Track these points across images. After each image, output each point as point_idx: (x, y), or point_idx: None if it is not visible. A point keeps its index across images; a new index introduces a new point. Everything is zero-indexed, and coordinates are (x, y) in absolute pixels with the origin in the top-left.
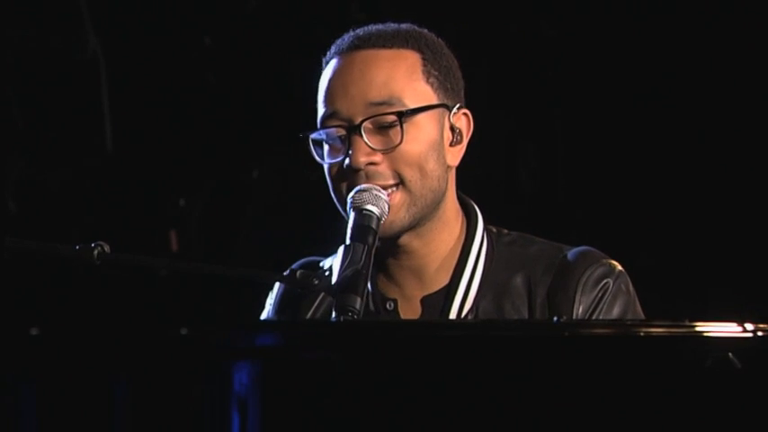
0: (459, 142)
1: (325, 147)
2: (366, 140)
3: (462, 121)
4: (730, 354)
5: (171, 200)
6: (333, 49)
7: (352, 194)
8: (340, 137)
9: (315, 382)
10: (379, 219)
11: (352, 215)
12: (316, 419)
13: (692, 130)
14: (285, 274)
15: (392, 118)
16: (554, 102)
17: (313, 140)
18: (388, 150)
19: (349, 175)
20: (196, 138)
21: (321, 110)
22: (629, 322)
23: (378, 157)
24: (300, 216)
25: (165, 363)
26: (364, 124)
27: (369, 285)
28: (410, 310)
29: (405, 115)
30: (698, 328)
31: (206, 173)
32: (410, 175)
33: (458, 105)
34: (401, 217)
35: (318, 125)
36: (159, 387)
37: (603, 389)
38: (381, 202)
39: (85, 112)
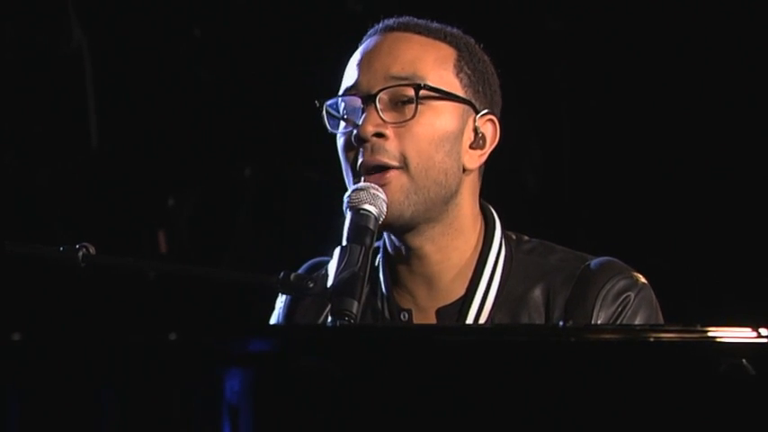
0: (481, 147)
1: (341, 122)
2: (379, 111)
3: (488, 127)
4: (744, 360)
5: (159, 199)
6: (369, 31)
7: (348, 193)
8: (356, 108)
9: (309, 389)
10: (376, 219)
11: (348, 215)
12: (310, 429)
13: (705, 127)
14: (279, 276)
15: (410, 93)
16: (560, 98)
17: (330, 114)
18: (399, 125)
19: (356, 146)
20: (186, 134)
21: (343, 82)
22: (638, 327)
23: (387, 130)
24: (295, 216)
25: (153, 369)
26: (380, 95)
27: (384, 296)
28: (424, 322)
29: (422, 90)
30: (710, 334)
31: (196, 171)
32: (415, 160)
33: (487, 110)
34: (399, 200)
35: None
36: (147, 394)
37: (613, 396)
38: (379, 201)
39: (70, 108)
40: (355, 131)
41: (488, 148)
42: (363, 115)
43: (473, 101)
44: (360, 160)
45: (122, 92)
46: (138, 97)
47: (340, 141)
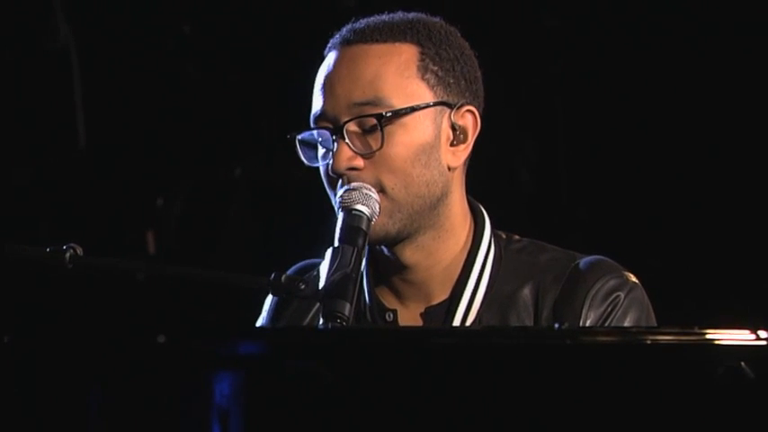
0: (463, 141)
1: (319, 148)
2: (349, 143)
3: (467, 118)
4: (743, 363)
5: (148, 199)
6: (330, 41)
7: (340, 193)
8: (329, 138)
9: (301, 393)
10: (369, 219)
11: (340, 216)
12: None
13: (703, 125)
14: (271, 278)
15: (374, 121)
16: (555, 95)
17: (305, 141)
18: (370, 155)
19: (334, 180)
20: (175, 133)
21: (312, 109)
22: (634, 329)
23: (359, 162)
24: (286, 216)
25: (141, 373)
26: (347, 126)
27: (367, 296)
28: (411, 322)
29: (385, 118)
30: (708, 336)
31: (185, 170)
32: (391, 183)
33: (462, 102)
34: (383, 222)
35: (311, 124)
36: (135, 399)
37: (608, 400)
38: (372, 201)
39: (56, 105)
40: (330, 166)
41: (471, 140)
42: (335, 148)
43: (444, 99)
44: (339, 192)
45: (110, 90)
46: (126, 95)
47: (321, 170)
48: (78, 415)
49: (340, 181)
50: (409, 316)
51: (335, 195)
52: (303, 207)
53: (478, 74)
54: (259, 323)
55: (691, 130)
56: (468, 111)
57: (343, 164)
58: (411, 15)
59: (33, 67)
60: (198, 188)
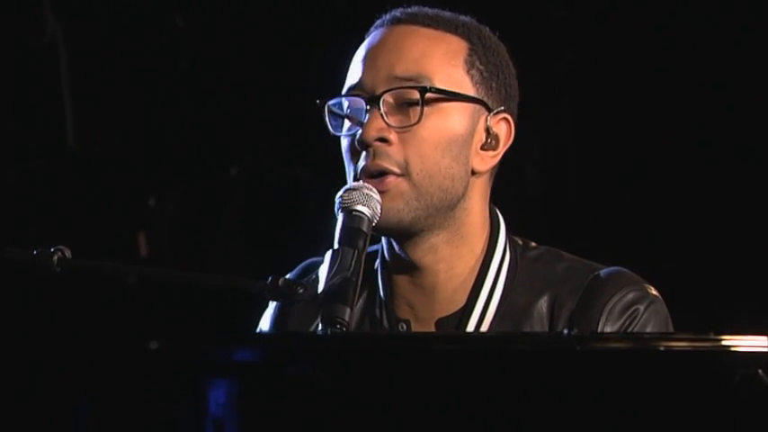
0: (494, 148)
1: (346, 122)
2: (383, 115)
3: (502, 126)
4: (760, 370)
5: (140, 199)
6: (377, 21)
7: (340, 194)
8: (361, 109)
9: (299, 401)
10: (370, 220)
11: (340, 217)
12: None
13: (723, 121)
14: (267, 281)
15: (415, 96)
16: (564, 90)
17: (333, 112)
18: (403, 130)
19: (360, 149)
20: (168, 130)
21: (347, 81)
22: (647, 335)
23: (391, 135)
24: (283, 217)
25: (133, 380)
26: (384, 97)
27: (382, 304)
28: None
29: (429, 93)
30: (724, 342)
31: (179, 169)
32: (418, 166)
33: (500, 109)
34: (399, 207)
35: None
36: (126, 407)
37: (621, 408)
38: (373, 202)
39: (44, 103)
40: (358, 135)
41: (501, 149)
42: (367, 118)
43: (485, 99)
44: (362, 164)
45: (100, 85)
46: (117, 91)
47: (344, 143)
48: (68, 424)
49: (364, 153)
50: (421, 327)
51: (354, 169)
52: (301, 207)
53: (518, 93)
54: (262, 328)
55: (708, 127)
56: (505, 119)
57: (373, 133)
58: (463, 17)
59: (19, 63)
60: (192, 188)
